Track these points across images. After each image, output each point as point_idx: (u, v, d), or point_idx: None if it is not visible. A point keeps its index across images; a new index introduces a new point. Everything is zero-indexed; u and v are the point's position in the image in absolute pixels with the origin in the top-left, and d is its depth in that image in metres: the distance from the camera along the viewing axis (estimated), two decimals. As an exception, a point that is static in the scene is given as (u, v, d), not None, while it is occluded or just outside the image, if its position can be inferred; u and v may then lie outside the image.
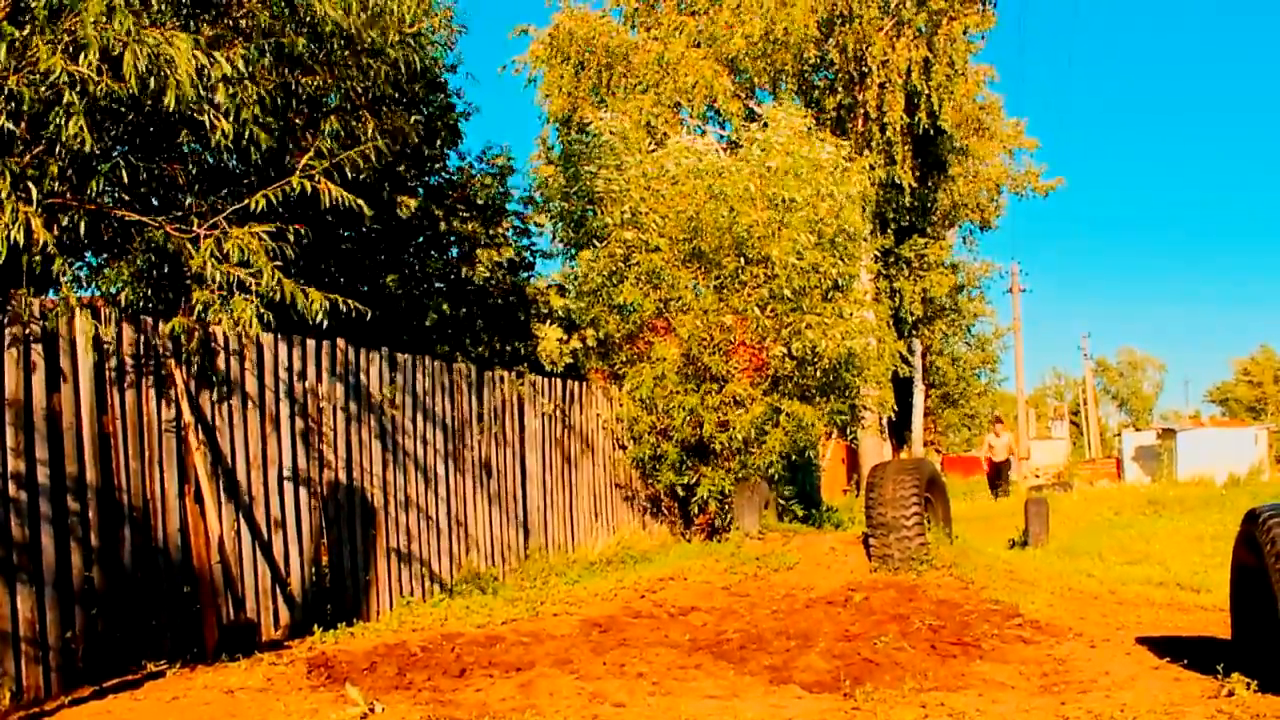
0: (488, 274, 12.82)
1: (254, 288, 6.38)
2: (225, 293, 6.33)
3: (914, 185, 22.33)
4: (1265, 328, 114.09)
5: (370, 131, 8.19)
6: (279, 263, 6.47)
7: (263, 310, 6.37)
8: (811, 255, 12.04)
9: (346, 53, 7.60)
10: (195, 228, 6.41)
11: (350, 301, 6.90)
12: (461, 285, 12.87)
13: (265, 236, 6.37)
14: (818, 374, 12.52)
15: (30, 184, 5.59)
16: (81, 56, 5.49)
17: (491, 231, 13.28)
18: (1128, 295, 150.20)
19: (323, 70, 7.53)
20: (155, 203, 7.66)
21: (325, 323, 6.75)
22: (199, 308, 6.38)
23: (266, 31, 6.85)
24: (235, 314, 6.28)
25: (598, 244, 12.80)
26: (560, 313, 12.86)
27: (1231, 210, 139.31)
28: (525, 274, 14.47)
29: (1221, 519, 15.16)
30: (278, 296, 6.48)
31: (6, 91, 5.51)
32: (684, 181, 12.35)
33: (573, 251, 13.98)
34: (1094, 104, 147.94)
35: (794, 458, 13.62)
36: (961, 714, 5.07)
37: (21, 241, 5.52)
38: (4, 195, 5.50)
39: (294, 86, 7.33)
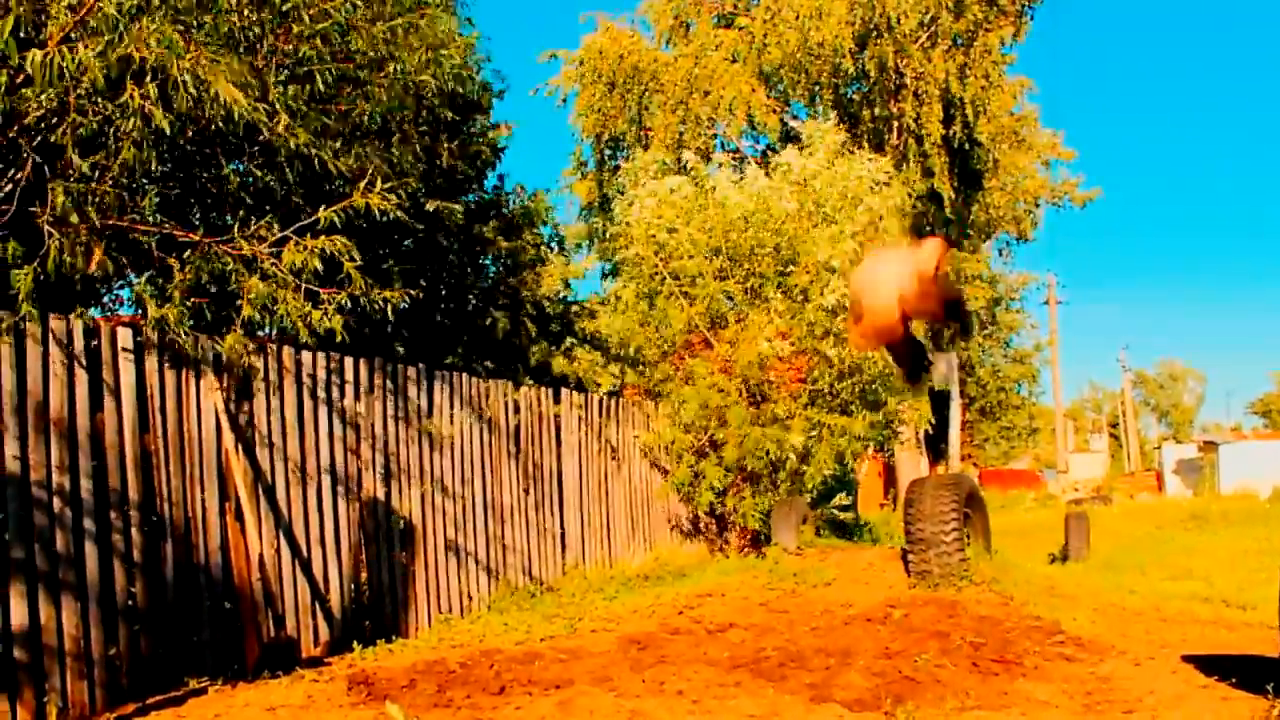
0: (543, 293, 12.97)
1: (326, 299, 6.56)
2: (300, 304, 6.50)
3: (952, 197, 22.24)
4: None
5: (403, 153, 8.33)
6: (359, 264, 6.66)
7: (335, 318, 6.57)
8: (854, 269, 12.03)
9: (378, 76, 7.74)
10: (250, 246, 6.54)
11: (416, 292, 7.16)
12: (509, 301, 12.99)
13: (346, 243, 6.53)
14: (857, 389, 12.45)
15: (89, 207, 5.70)
16: (136, 83, 5.59)
17: (536, 249, 13.44)
18: (1167, 306, 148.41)
19: (355, 95, 7.68)
20: (198, 222, 7.79)
21: (393, 317, 6.95)
22: (284, 315, 6.53)
23: (301, 60, 6.99)
24: (315, 322, 6.46)
25: (630, 264, 12.82)
26: (597, 332, 12.91)
27: (1272, 219, 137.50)
28: (565, 292, 14.61)
29: (1267, 533, 14.99)
30: (348, 303, 6.69)
31: (67, 115, 5.62)
32: (727, 204, 12.36)
33: (608, 268, 14.06)
34: (1132, 113, 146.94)
35: (835, 472, 13.56)
36: (1005, 733, 5.02)
37: (80, 265, 5.64)
38: (67, 216, 5.60)
39: (331, 111, 7.46)
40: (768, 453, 11.63)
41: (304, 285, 6.58)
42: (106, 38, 5.47)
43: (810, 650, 6.90)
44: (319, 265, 6.56)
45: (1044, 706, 5.60)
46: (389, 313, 7.02)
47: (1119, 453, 75.23)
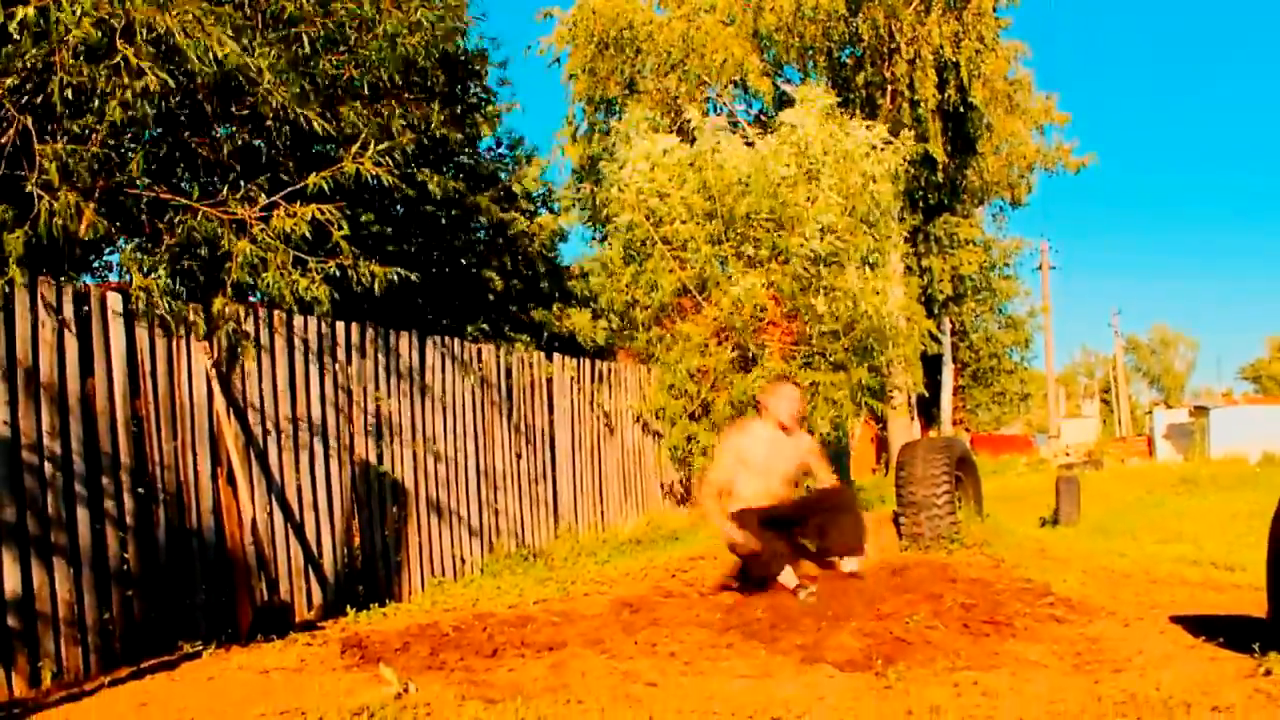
0: (536, 248, 12.94)
1: (314, 267, 6.54)
2: (286, 271, 6.46)
3: (946, 161, 22.17)
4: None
5: (394, 115, 8.27)
6: (346, 234, 6.61)
7: (320, 287, 6.53)
8: (845, 224, 11.99)
9: (366, 37, 7.67)
10: (242, 210, 6.49)
11: (407, 272, 7.10)
12: (499, 262, 12.97)
13: (334, 211, 6.47)
14: (849, 346, 12.43)
15: (79, 168, 5.65)
16: (126, 40, 5.53)
17: (527, 212, 13.40)
18: (1159, 272, 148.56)
19: (344, 57, 7.62)
20: (189, 187, 7.75)
21: (379, 292, 6.90)
22: (267, 286, 6.49)
23: (290, 20, 6.92)
24: (301, 290, 6.43)
25: (620, 230, 12.77)
26: (588, 293, 12.89)
27: (1266, 184, 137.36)
28: (555, 254, 14.57)
29: (1256, 497, 15.04)
30: (336, 272, 6.65)
31: (54, 74, 5.56)
32: (725, 167, 12.29)
33: (599, 230, 14.02)
34: (1126, 77, 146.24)
35: (832, 433, 13.58)
36: (994, 693, 5.04)
37: (71, 227, 5.60)
38: (54, 180, 5.56)
39: (317, 73, 7.39)
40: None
41: (292, 252, 6.54)
42: None
43: (802, 612, 6.93)
44: (308, 231, 6.52)
45: (1034, 666, 5.63)
46: (375, 287, 6.95)
47: (1110, 418, 75.52)
